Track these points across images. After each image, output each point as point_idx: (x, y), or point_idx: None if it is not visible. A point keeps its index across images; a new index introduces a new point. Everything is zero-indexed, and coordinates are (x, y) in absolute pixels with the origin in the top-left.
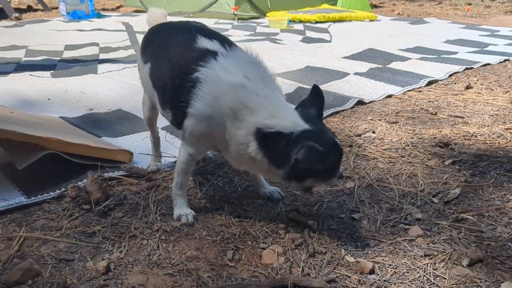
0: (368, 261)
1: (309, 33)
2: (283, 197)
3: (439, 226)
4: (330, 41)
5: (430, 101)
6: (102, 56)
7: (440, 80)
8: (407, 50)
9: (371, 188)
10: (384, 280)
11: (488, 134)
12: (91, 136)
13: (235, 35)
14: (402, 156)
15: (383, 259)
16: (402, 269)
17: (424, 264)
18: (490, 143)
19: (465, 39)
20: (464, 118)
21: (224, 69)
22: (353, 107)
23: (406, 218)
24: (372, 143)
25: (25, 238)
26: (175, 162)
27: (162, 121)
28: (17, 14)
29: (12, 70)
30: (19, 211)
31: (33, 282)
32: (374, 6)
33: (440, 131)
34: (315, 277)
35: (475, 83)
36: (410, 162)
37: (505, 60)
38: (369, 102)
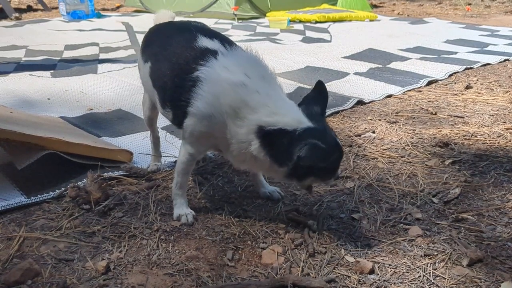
0: (368, 261)
1: (309, 33)
2: (283, 197)
3: (439, 226)
4: (330, 41)
5: (430, 101)
6: (102, 56)
7: (440, 80)
8: (407, 50)
9: (371, 188)
10: (384, 280)
11: (488, 134)
12: (91, 136)
13: (235, 35)
14: (402, 156)
15: (383, 259)
16: (402, 269)
17: (424, 264)
18: (490, 143)
19: (465, 39)
20: (464, 118)
21: (224, 68)
22: (353, 107)
23: (406, 218)
24: (372, 143)
25: (24, 238)
26: (175, 162)
27: (162, 121)
28: (17, 14)
29: (12, 70)
30: (19, 211)
31: (32, 282)
32: (374, 6)
33: (440, 131)
34: (315, 277)
35: (475, 83)
36: (410, 162)
37: (505, 60)
38: (369, 102)
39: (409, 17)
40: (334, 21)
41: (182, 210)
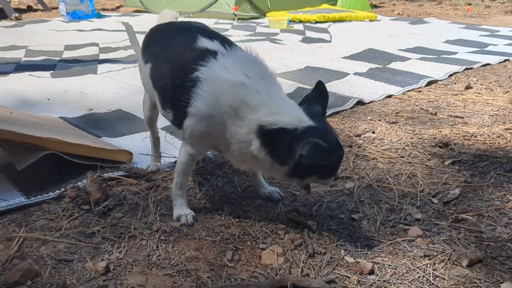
0: (367, 261)
1: (309, 33)
2: (282, 197)
3: (439, 227)
4: (330, 41)
5: (430, 101)
6: (102, 56)
7: (440, 80)
8: (407, 50)
9: (370, 188)
10: (384, 281)
11: (488, 134)
12: (90, 136)
13: (235, 35)
14: (401, 156)
15: (382, 260)
16: (402, 270)
17: (423, 265)
18: (489, 143)
19: (465, 39)
20: (464, 118)
21: (224, 68)
22: (352, 107)
23: (406, 219)
24: (372, 143)
25: (24, 239)
26: (174, 162)
27: (162, 121)
28: (17, 14)
29: (12, 70)
30: (18, 212)
31: (32, 282)
32: (374, 6)
33: (440, 131)
34: (315, 278)
35: (475, 83)
36: (409, 162)
37: (505, 60)
38: (368, 102)
39: (409, 17)
40: (334, 21)
41: (182, 210)
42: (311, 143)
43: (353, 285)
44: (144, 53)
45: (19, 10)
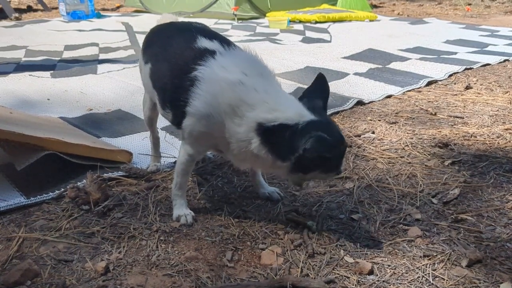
0: (367, 261)
1: (309, 33)
2: (282, 197)
3: (438, 227)
4: (330, 41)
5: (429, 101)
6: (102, 56)
7: (440, 81)
8: (407, 50)
9: (370, 188)
10: (383, 281)
11: (488, 135)
12: (90, 137)
13: (235, 35)
14: (401, 157)
15: (382, 260)
16: (401, 270)
17: (423, 265)
18: (489, 143)
19: (465, 39)
20: (463, 118)
21: (222, 67)
22: (352, 107)
23: (405, 219)
24: (372, 143)
25: (24, 239)
26: (174, 162)
27: (162, 122)
28: (17, 14)
29: (12, 70)
30: (18, 212)
31: (32, 282)
32: (374, 6)
33: (440, 131)
34: (314, 278)
35: (474, 84)
36: (409, 163)
37: (505, 60)
38: (368, 103)
39: (409, 17)
40: (334, 21)
41: (181, 210)
42: (314, 137)
43: (353, 285)
44: (144, 54)
45: (19, 10)
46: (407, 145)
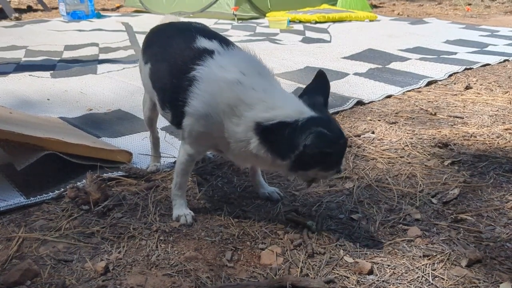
0: (367, 261)
1: (308, 34)
2: (282, 197)
3: (438, 227)
4: (329, 42)
5: (429, 101)
6: (102, 56)
7: (440, 81)
8: (407, 50)
9: (370, 188)
10: (383, 281)
11: (487, 135)
12: (90, 137)
13: (235, 35)
14: (401, 157)
15: (381, 260)
16: (401, 270)
17: (422, 265)
18: (489, 143)
19: (465, 39)
20: (463, 118)
21: (220, 67)
22: (352, 107)
23: (405, 219)
24: (372, 143)
25: (24, 239)
26: (174, 162)
27: (162, 122)
28: (17, 14)
29: (12, 70)
30: (18, 212)
31: (32, 282)
32: (374, 6)
33: (440, 131)
34: (314, 278)
35: (474, 84)
36: (409, 163)
37: (504, 61)
38: (368, 103)
39: (409, 17)
40: (334, 21)
41: (181, 210)
42: (315, 132)
43: (352, 285)
44: (144, 54)
45: (19, 10)
46: (407, 145)
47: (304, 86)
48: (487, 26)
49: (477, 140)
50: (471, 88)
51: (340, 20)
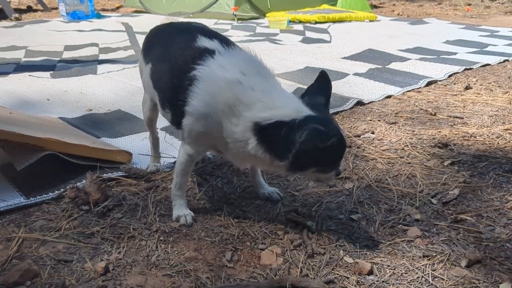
0: (366, 262)
1: (308, 34)
2: (282, 198)
3: (438, 227)
4: (329, 42)
5: (429, 101)
6: (102, 56)
7: (440, 81)
8: (407, 50)
9: (370, 189)
10: (383, 281)
11: (487, 135)
12: (90, 137)
13: (235, 35)
14: (401, 157)
15: (381, 260)
16: (401, 270)
17: (422, 265)
18: (489, 143)
19: (465, 40)
20: (463, 118)
21: (220, 67)
22: (352, 107)
23: (405, 219)
24: (371, 143)
25: (24, 239)
26: (174, 162)
27: (162, 122)
28: (17, 15)
29: (12, 71)
30: (18, 212)
31: (31, 283)
32: (374, 7)
33: (439, 131)
34: (314, 278)
35: (474, 84)
36: (409, 163)
37: (504, 61)
38: (368, 103)
39: (409, 17)
40: (334, 21)
41: (181, 211)
42: (308, 129)
43: (352, 285)
44: (145, 54)
45: (19, 11)
46: (407, 145)
47: (304, 86)
48: (487, 26)
49: (477, 140)
50: (471, 88)
51: (340, 20)
